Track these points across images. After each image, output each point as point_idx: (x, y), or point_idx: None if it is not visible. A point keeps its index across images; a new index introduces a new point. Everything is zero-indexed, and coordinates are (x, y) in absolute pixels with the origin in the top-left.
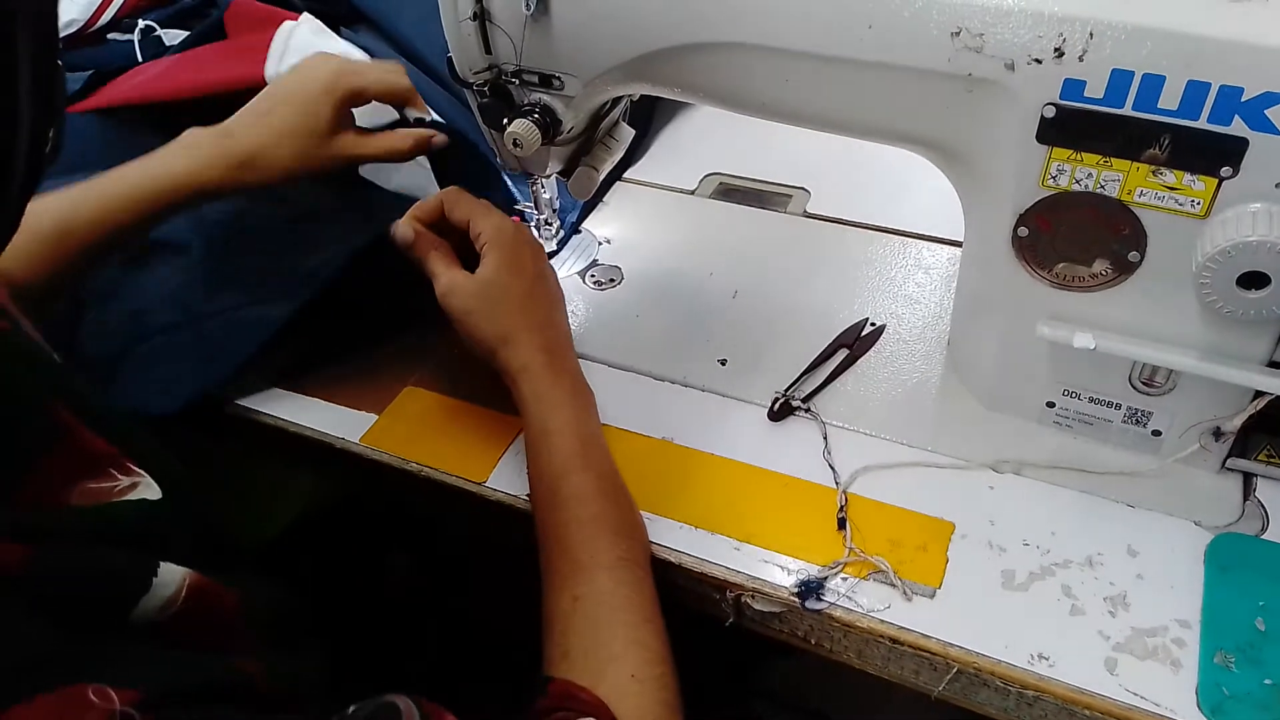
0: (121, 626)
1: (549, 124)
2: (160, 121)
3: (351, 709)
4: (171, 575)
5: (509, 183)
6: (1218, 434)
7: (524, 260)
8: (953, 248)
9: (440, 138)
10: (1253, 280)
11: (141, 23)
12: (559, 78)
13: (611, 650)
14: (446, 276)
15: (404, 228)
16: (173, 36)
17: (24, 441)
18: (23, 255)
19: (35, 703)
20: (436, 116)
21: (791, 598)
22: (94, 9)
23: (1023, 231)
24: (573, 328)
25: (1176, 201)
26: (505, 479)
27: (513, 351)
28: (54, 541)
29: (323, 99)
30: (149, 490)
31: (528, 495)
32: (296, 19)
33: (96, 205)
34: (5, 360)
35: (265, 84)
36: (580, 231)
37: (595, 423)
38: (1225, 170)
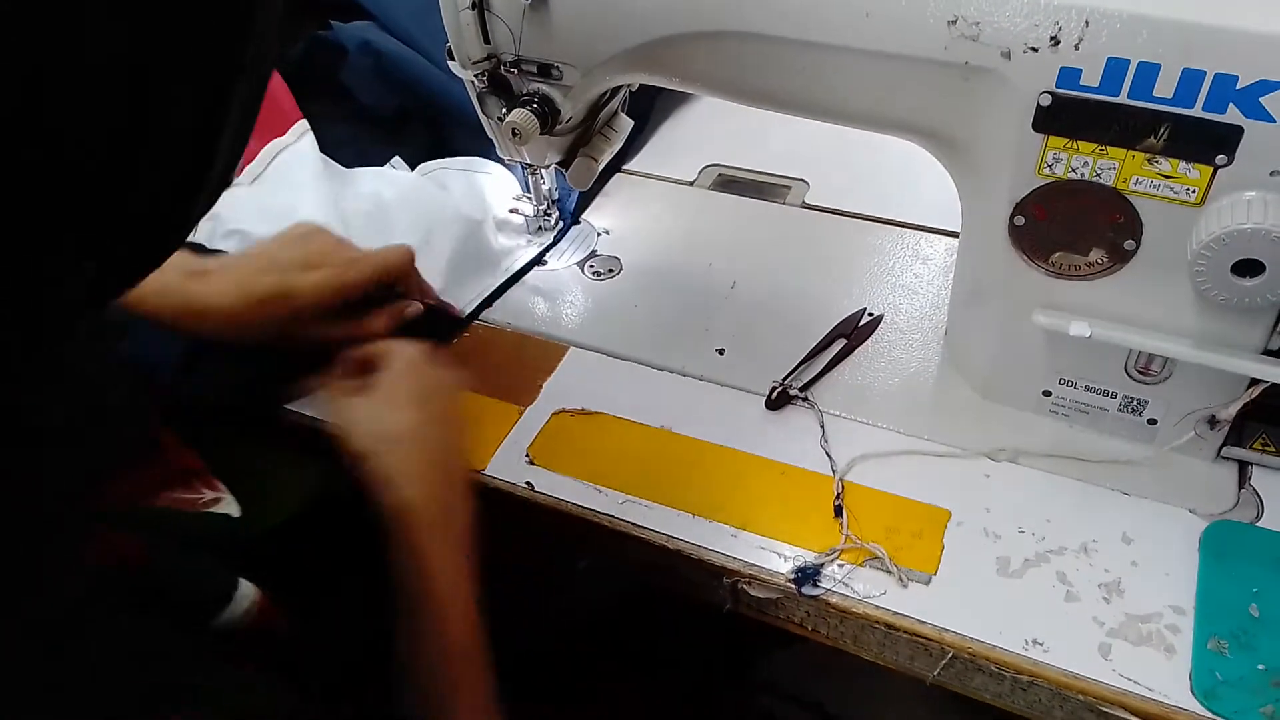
0: (200, 635)
1: (548, 114)
2: None
3: None
4: (247, 591)
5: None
6: (1213, 422)
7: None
8: (950, 238)
9: (414, 308)
10: (1247, 268)
11: None
12: (558, 67)
13: None
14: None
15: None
16: None
17: (119, 449)
18: None
19: None
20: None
21: (788, 584)
22: None
23: (1019, 220)
24: (572, 318)
25: (1172, 189)
26: (504, 467)
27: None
28: (159, 540)
29: (320, 294)
30: (230, 507)
31: (526, 483)
32: (295, 122)
33: None
34: (110, 371)
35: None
36: (579, 222)
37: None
38: (1220, 158)
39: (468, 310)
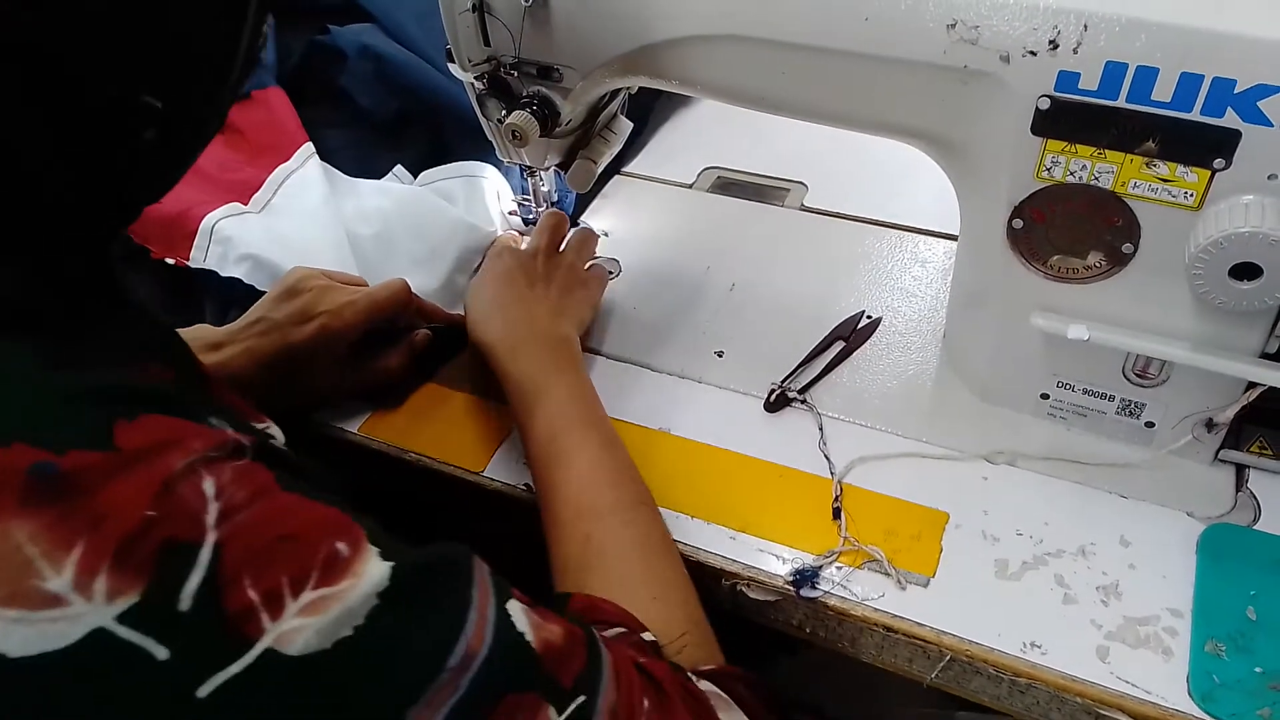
0: None
1: (548, 116)
2: None
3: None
4: (278, 434)
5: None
6: (1210, 425)
7: (494, 264)
8: (949, 241)
9: (422, 335)
10: (1245, 271)
11: None
12: (558, 70)
13: (629, 581)
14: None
15: None
16: None
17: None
18: None
19: (138, 420)
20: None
21: (786, 586)
22: None
23: (1017, 223)
24: None
25: (1170, 193)
26: (503, 468)
27: (488, 346)
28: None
29: (319, 342)
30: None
31: (525, 485)
32: (300, 147)
33: None
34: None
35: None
36: (579, 224)
37: (575, 378)
38: (1218, 162)
39: None
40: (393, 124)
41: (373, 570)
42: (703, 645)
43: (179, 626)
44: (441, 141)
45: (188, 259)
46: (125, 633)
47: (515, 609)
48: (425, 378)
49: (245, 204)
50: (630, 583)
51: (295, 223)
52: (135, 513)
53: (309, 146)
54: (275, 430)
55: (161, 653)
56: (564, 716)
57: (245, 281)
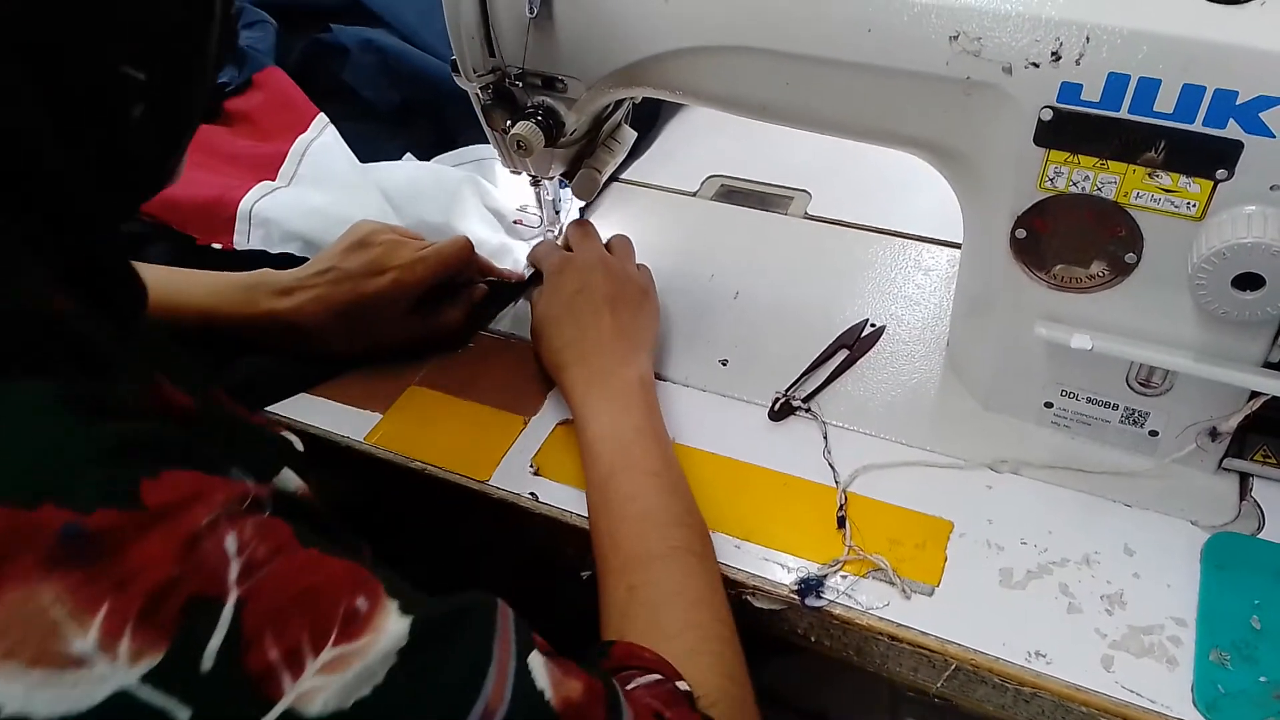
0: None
1: (552, 126)
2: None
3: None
4: (290, 480)
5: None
6: (1214, 434)
7: (562, 286)
8: (952, 250)
9: (480, 289)
10: (1248, 282)
11: None
12: (562, 80)
13: (667, 631)
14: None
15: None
16: None
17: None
18: None
19: (162, 477)
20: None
21: (791, 595)
22: None
23: (1021, 233)
24: None
25: (1172, 204)
26: (509, 477)
27: (561, 376)
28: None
29: (392, 296)
30: (296, 442)
31: (531, 494)
32: (315, 116)
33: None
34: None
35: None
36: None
37: (639, 418)
38: (1220, 173)
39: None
40: (397, 114)
41: (392, 626)
42: (739, 708)
43: (201, 687)
44: (447, 128)
45: (232, 244)
46: (148, 694)
47: (536, 663)
48: (481, 327)
49: (274, 179)
50: (668, 633)
51: (329, 193)
52: (160, 571)
53: (323, 117)
54: (294, 439)
55: (184, 714)
56: None
57: (298, 255)
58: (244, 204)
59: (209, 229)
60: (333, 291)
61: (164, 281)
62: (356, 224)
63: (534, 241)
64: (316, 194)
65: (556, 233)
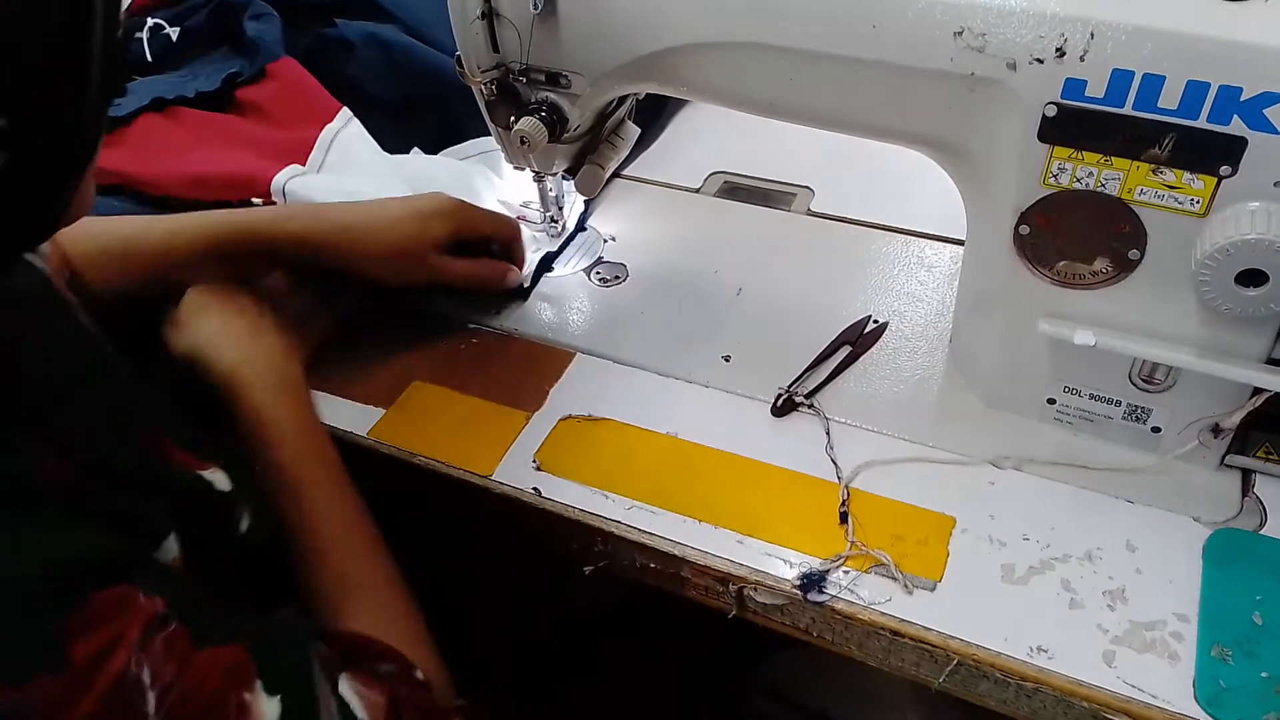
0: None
1: (556, 122)
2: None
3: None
4: (169, 550)
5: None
6: (1216, 431)
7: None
8: (955, 246)
9: (515, 276)
10: (1251, 278)
11: (150, 20)
12: (566, 76)
13: (388, 617)
14: None
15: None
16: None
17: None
18: (89, 261)
19: (90, 601)
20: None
21: (794, 590)
22: None
23: (1024, 229)
24: (579, 325)
25: (1176, 200)
26: (511, 473)
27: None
28: (110, 477)
29: (438, 218)
30: (218, 481)
31: (534, 488)
32: (339, 110)
33: (165, 231)
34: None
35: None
36: (586, 229)
37: (304, 421)
38: (1224, 169)
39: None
40: (402, 108)
41: (267, 712)
42: (447, 686)
43: None
44: (451, 122)
45: (270, 203)
46: None
47: (347, 692)
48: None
49: (303, 165)
50: (389, 619)
51: (356, 180)
52: None
53: (347, 110)
54: (218, 477)
55: None
56: None
57: None
58: (276, 181)
59: (244, 195)
60: (382, 205)
61: (156, 224)
62: (451, 201)
63: (537, 234)
64: (347, 180)
65: (560, 228)
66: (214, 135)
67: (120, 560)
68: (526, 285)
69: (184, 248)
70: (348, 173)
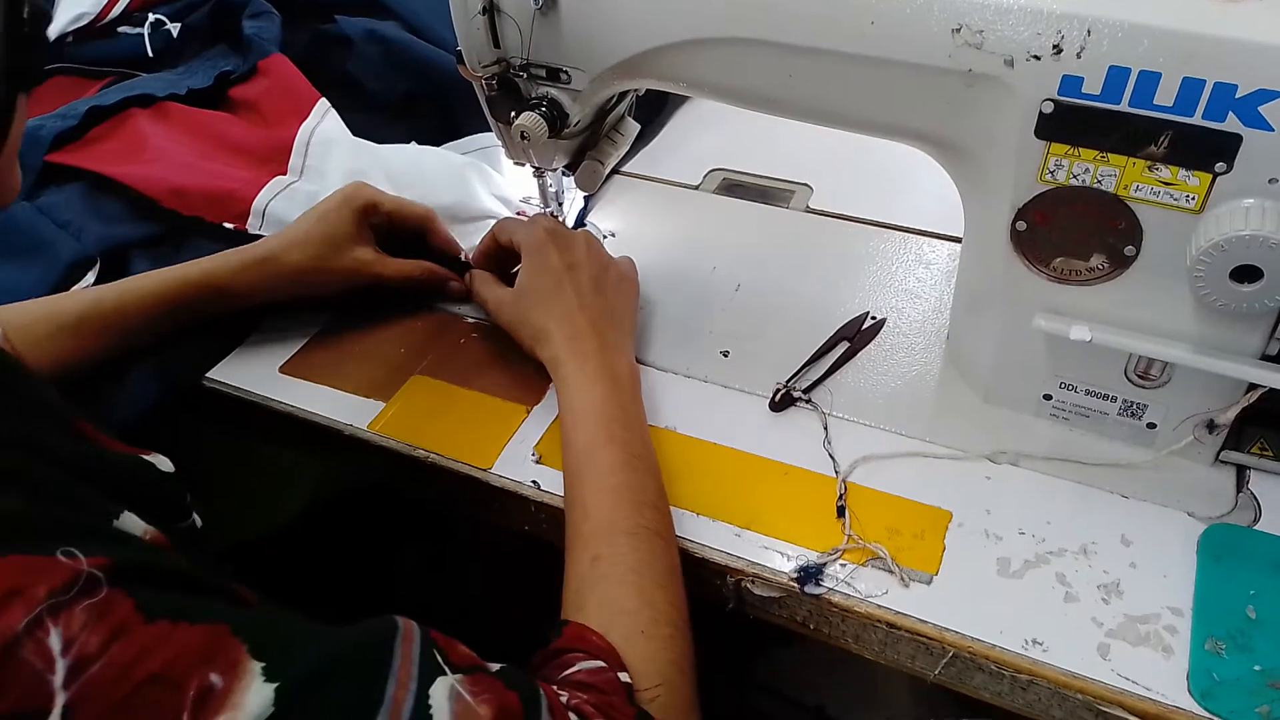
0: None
1: (556, 117)
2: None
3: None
4: (134, 524)
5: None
6: (1211, 427)
7: (548, 259)
8: (953, 243)
9: (458, 285)
10: (1245, 274)
11: (152, 16)
12: (566, 71)
13: (624, 606)
14: (490, 295)
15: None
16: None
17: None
18: (34, 343)
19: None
20: (459, 244)
21: (791, 583)
22: (104, 3)
23: (1021, 226)
24: None
25: (1172, 196)
26: (510, 466)
27: (544, 346)
28: (39, 454)
29: (341, 206)
30: (161, 463)
31: (533, 482)
32: (316, 102)
33: (117, 297)
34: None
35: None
36: (585, 225)
37: (627, 400)
38: (1219, 166)
39: None
40: (402, 104)
41: (252, 700)
42: (677, 699)
43: None
44: (451, 118)
45: (245, 227)
46: None
47: (439, 697)
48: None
49: (285, 173)
50: (623, 608)
51: (337, 183)
52: None
53: (324, 101)
54: (160, 460)
55: None
56: None
57: None
58: (259, 200)
59: (219, 215)
60: (293, 225)
61: (107, 294)
62: (352, 186)
63: None
64: (327, 184)
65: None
66: (200, 136)
67: (42, 527)
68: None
69: (138, 313)
70: (327, 176)
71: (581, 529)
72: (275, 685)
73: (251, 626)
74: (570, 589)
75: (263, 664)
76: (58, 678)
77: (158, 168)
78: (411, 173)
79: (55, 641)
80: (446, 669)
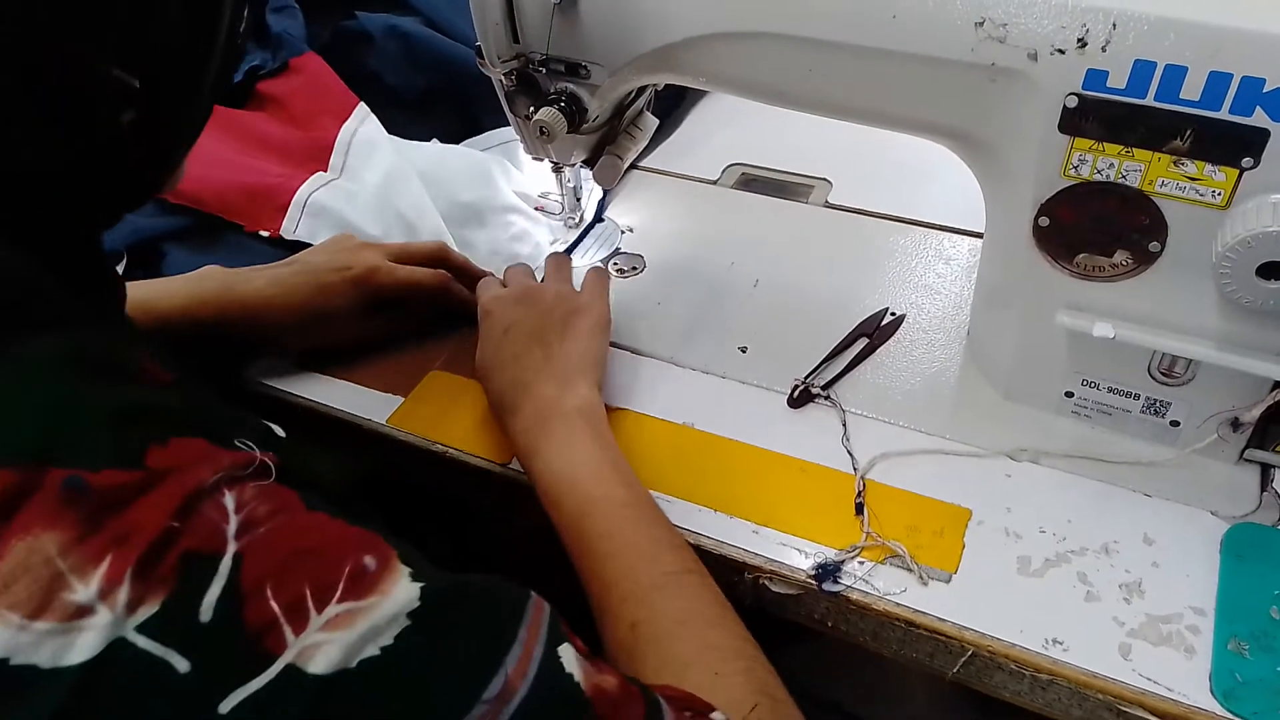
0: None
1: (575, 112)
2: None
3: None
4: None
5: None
6: (1236, 425)
7: (490, 330)
8: (973, 239)
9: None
10: (1272, 270)
11: None
12: (585, 66)
13: (683, 660)
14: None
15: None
16: None
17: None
18: None
19: (171, 444)
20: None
21: (809, 580)
22: None
23: (1044, 221)
24: None
25: (1197, 192)
26: None
27: (504, 425)
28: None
29: (348, 289)
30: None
31: None
32: (355, 105)
33: (144, 299)
34: None
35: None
36: (604, 220)
37: (591, 449)
38: (1246, 161)
39: None
40: (422, 101)
41: (401, 591)
42: (775, 712)
43: (200, 638)
44: (472, 114)
45: (278, 231)
46: (145, 643)
47: (567, 653)
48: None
49: (326, 170)
50: (684, 662)
51: (377, 181)
52: (158, 525)
53: (364, 105)
54: (275, 427)
55: (182, 665)
56: None
57: None
58: (300, 194)
59: (256, 216)
60: (292, 277)
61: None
62: (338, 235)
63: (555, 225)
64: (366, 184)
65: (578, 219)
66: (235, 133)
67: (220, 423)
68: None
69: (139, 322)
70: (366, 175)
71: (606, 603)
72: (421, 585)
73: (398, 542)
74: (619, 663)
75: (410, 569)
76: (230, 529)
77: (195, 166)
78: (438, 171)
79: (229, 502)
80: (569, 642)
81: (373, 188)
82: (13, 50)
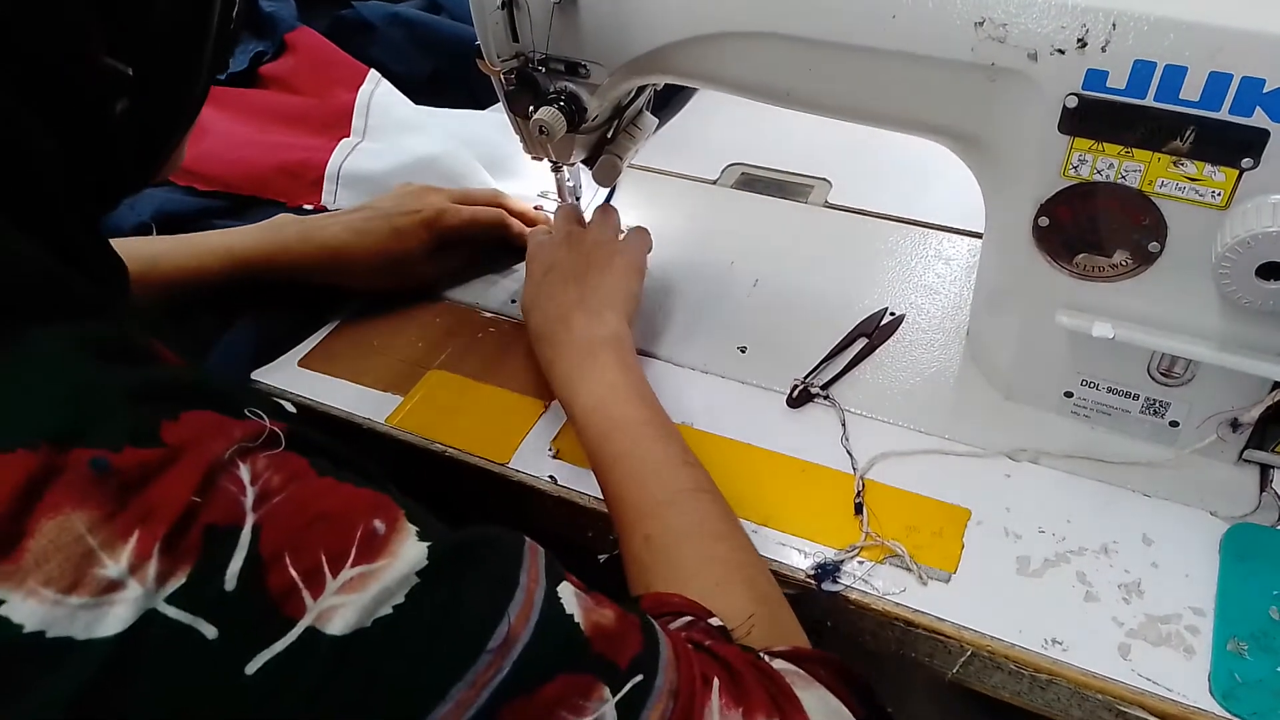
0: None
1: (574, 112)
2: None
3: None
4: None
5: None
6: (1235, 425)
7: (533, 272)
8: (973, 239)
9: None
10: (1272, 271)
11: None
12: (585, 66)
13: (688, 570)
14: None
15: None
16: None
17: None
18: None
19: (182, 418)
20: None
21: (808, 580)
22: None
23: (1043, 221)
24: None
25: (1197, 192)
26: (528, 460)
27: (541, 360)
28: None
29: (420, 232)
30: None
31: (550, 477)
32: (366, 74)
33: (176, 257)
34: None
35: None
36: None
37: (616, 375)
38: (1246, 161)
39: None
40: (428, 85)
41: (409, 551)
42: (774, 624)
43: (225, 606)
44: (480, 94)
45: (321, 203)
46: (175, 613)
47: (566, 592)
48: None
49: (349, 135)
50: (689, 572)
51: (406, 138)
52: (180, 500)
53: (375, 72)
54: (285, 403)
55: (210, 631)
56: (620, 696)
57: None
58: (331, 164)
59: (295, 192)
60: (366, 223)
61: (182, 243)
62: (399, 185)
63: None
64: (396, 142)
65: None
66: (254, 114)
67: (229, 395)
68: None
69: (216, 266)
70: (390, 132)
71: (625, 517)
72: (428, 544)
73: (405, 502)
74: (633, 575)
75: (417, 528)
76: (248, 501)
77: (223, 150)
78: (465, 131)
79: (244, 474)
80: (566, 580)
81: (405, 144)
82: (3, 39)
